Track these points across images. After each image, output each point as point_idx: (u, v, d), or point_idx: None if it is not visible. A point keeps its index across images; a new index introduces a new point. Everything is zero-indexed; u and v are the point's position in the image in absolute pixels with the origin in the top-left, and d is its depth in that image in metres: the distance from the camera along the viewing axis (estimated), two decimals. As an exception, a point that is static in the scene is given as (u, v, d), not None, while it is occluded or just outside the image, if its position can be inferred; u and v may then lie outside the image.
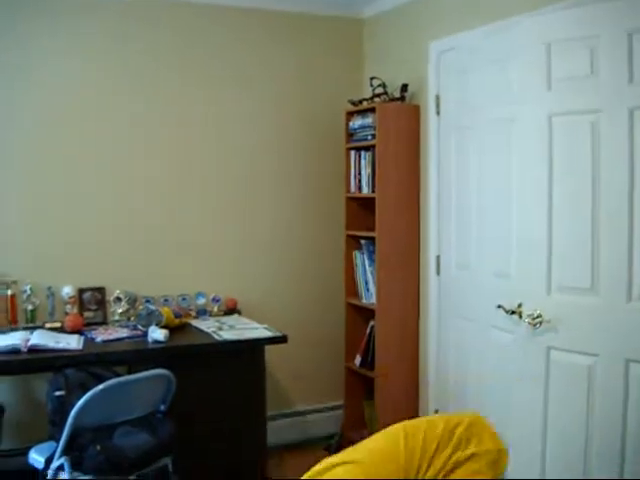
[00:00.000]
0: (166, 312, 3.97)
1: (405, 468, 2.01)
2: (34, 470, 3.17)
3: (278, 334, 3.97)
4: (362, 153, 4.48)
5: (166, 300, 4.36)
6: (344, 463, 2.03)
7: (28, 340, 3.51)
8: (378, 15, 4.86)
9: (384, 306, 4.37)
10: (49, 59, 4.13)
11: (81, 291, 4.19)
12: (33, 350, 3.45)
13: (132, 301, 4.25)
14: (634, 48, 2.87)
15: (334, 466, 2.03)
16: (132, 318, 4.17)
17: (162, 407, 3.34)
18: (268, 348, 4.00)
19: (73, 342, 3.65)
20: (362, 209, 4.66)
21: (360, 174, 4.52)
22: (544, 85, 3.22)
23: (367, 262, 4.52)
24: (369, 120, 4.38)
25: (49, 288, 4.05)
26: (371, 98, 4.49)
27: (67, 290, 4.10)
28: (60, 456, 3.00)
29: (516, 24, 3.42)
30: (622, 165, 2.93)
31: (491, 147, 3.66)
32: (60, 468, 3.01)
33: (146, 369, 3.21)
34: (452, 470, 2.03)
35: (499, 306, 3.47)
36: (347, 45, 5.01)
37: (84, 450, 2.99)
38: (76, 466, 2.99)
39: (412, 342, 4.45)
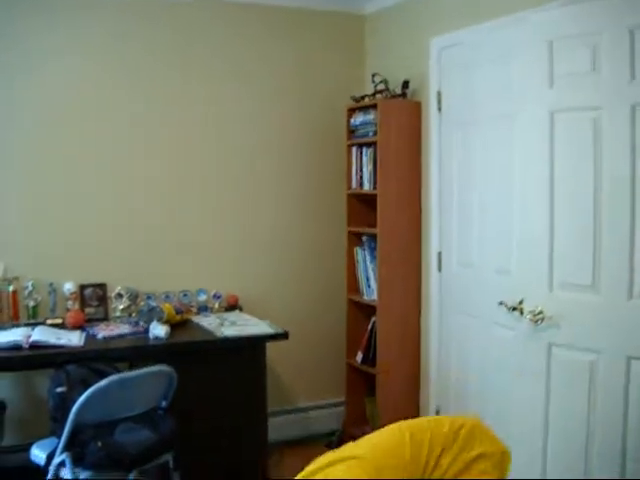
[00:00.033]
0: (167, 308, 3.97)
1: (411, 463, 2.01)
2: (36, 466, 3.17)
3: (279, 331, 3.97)
4: (363, 149, 4.47)
5: (167, 296, 4.36)
6: (346, 459, 2.03)
7: (29, 336, 3.52)
8: (380, 11, 4.85)
9: (385, 303, 4.36)
10: (48, 57, 4.11)
11: (82, 287, 4.19)
12: (34, 346, 3.45)
13: (133, 297, 4.25)
14: (636, 45, 2.87)
15: (334, 463, 2.02)
16: (133, 314, 4.17)
17: (163, 403, 3.34)
18: (269, 344, 4.00)
19: (74, 338, 3.65)
20: (363, 206, 4.66)
21: (361, 171, 4.51)
22: (546, 82, 3.22)
23: (368, 258, 4.52)
24: (370, 116, 4.38)
25: (50, 284, 4.06)
26: (373, 94, 4.48)
27: (68, 286, 4.10)
28: (61, 452, 3.00)
29: (518, 21, 3.42)
30: (624, 162, 2.93)
31: (492, 143, 3.66)
32: (61, 464, 3.02)
33: (147, 365, 3.21)
34: (462, 471, 2.04)
35: (500, 303, 3.48)
36: (348, 41, 5.00)
37: (85, 446, 2.99)
38: (77, 462, 2.99)
39: (413, 339, 4.45)
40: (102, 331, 3.83)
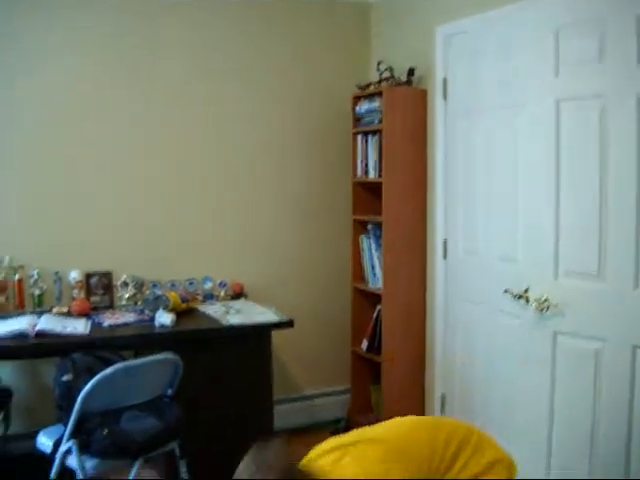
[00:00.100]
0: (173, 297, 3.97)
1: (427, 459, 2.05)
2: (42, 454, 3.19)
3: (285, 319, 3.98)
4: (369, 137, 4.46)
5: (173, 285, 4.37)
6: (365, 442, 2.06)
7: (35, 325, 3.52)
8: (385, -1, 4.84)
9: (391, 291, 4.36)
10: (47, 57, 4.07)
11: (88, 276, 4.20)
12: (40, 335, 3.46)
13: (139, 286, 4.26)
14: (643, 32, 2.86)
15: (354, 443, 2.06)
16: (139, 302, 4.18)
17: (169, 391, 3.35)
18: (275, 333, 4.00)
19: (80, 327, 3.66)
20: (369, 194, 4.65)
21: (367, 159, 4.50)
22: (551, 70, 3.21)
23: (374, 247, 4.51)
24: (376, 104, 4.36)
25: (56, 273, 4.06)
26: (378, 82, 4.47)
27: (74, 275, 4.11)
28: (68, 440, 3.02)
29: (523, 9, 3.40)
30: (630, 150, 2.92)
31: (498, 131, 3.65)
32: (68, 452, 3.04)
33: (153, 353, 3.22)
34: (481, 473, 2.09)
35: (506, 290, 3.48)
36: (354, 29, 4.97)
37: (91, 434, 3.00)
38: (84, 449, 3.01)
39: (419, 326, 4.45)
40: (108, 319, 3.84)
